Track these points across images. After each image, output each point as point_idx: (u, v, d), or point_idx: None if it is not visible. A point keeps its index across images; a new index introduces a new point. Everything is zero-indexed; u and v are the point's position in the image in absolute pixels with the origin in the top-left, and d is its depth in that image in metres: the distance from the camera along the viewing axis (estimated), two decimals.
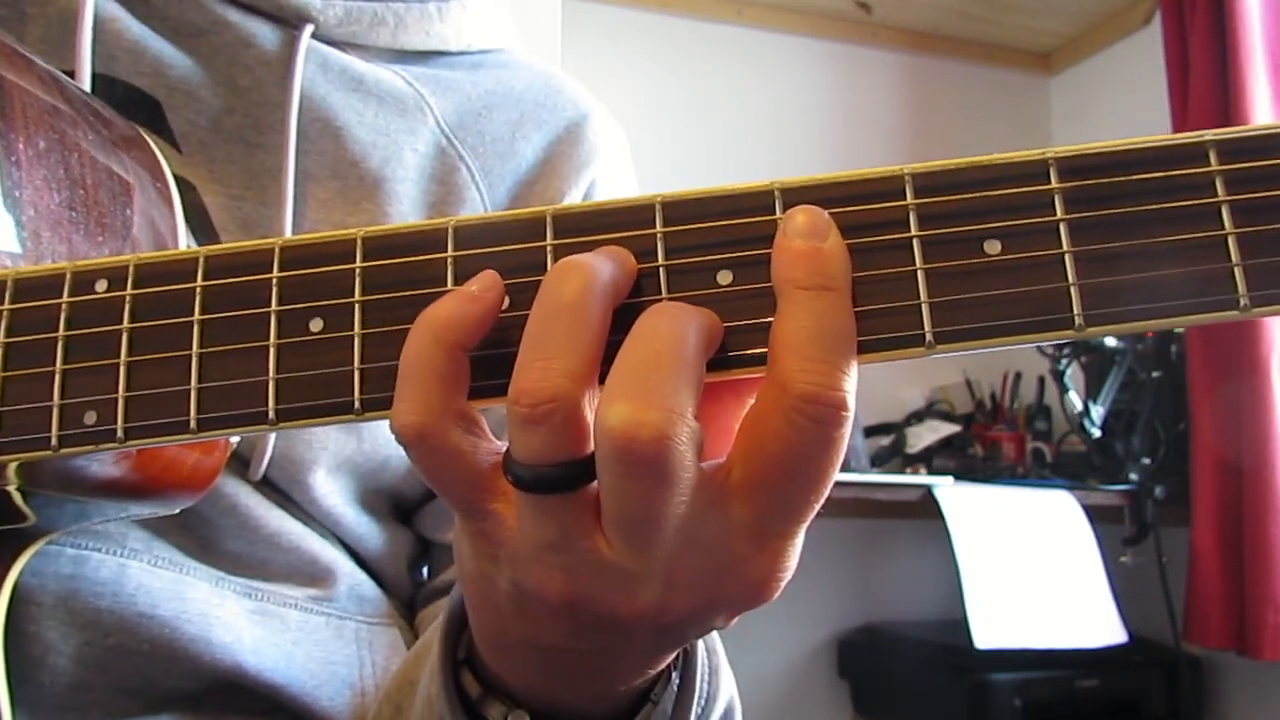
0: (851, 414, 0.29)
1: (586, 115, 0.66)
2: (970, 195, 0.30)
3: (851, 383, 0.29)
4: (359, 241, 0.33)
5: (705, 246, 0.31)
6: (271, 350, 0.33)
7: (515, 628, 0.34)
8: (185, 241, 0.48)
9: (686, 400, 0.28)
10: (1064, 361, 1.95)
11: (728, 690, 0.44)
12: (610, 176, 0.66)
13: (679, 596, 0.31)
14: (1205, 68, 1.91)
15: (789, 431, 0.29)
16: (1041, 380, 2.21)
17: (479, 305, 0.31)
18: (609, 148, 0.67)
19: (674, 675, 0.40)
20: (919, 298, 0.30)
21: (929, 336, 0.30)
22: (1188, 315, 0.29)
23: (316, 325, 0.33)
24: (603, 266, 0.30)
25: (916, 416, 2.23)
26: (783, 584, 0.32)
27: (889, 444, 2.17)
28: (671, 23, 2.37)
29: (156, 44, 0.54)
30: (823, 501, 0.31)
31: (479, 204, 0.61)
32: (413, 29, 0.61)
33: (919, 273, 0.30)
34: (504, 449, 0.32)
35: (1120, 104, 2.42)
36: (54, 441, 0.35)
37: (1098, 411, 1.93)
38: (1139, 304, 0.29)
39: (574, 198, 0.63)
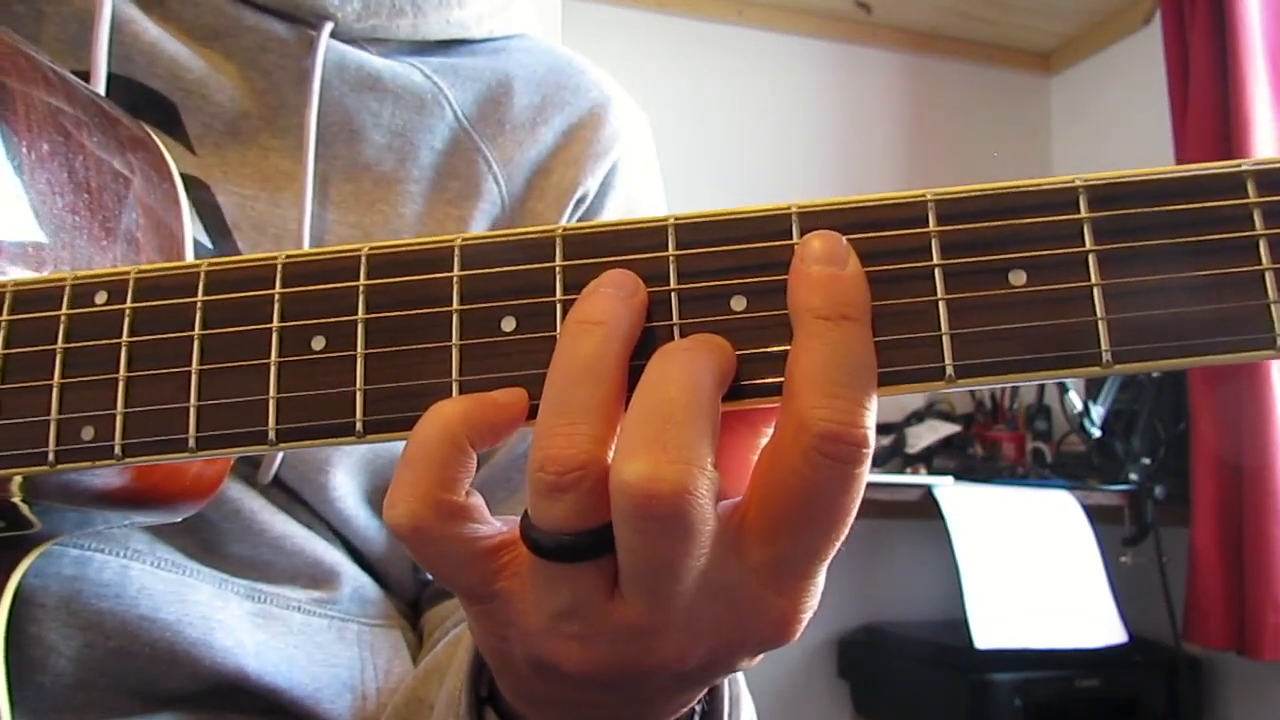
0: (872, 450, 0.28)
1: (610, 99, 0.65)
2: (995, 223, 0.29)
3: (872, 418, 0.28)
4: (363, 259, 0.33)
5: (719, 271, 0.31)
6: (272, 368, 0.33)
7: (537, 689, 0.34)
8: (192, 243, 0.47)
9: (705, 450, 0.28)
10: None
11: (748, 718, 0.44)
12: (632, 164, 0.65)
13: (698, 644, 0.31)
14: (1205, 68, 1.91)
15: (808, 470, 0.28)
16: None
17: (502, 416, 0.30)
18: (631, 135, 0.65)
19: (697, 710, 0.39)
20: (940, 329, 0.29)
21: (950, 370, 0.29)
22: (1221, 354, 0.28)
23: (319, 343, 0.33)
24: (618, 318, 0.30)
25: (916, 416, 2.23)
26: (804, 623, 0.31)
27: (889, 444, 2.17)
28: (671, 23, 2.36)
29: (173, 46, 0.53)
30: (843, 539, 0.30)
31: (495, 196, 0.60)
32: (432, 17, 0.60)
33: (940, 304, 0.29)
34: (504, 528, 0.31)
35: (1120, 104, 2.42)
36: (51, 457, 0.34)
37: (1098, 411, 1.93)
38: (1170, 341, 0.28)
39: (589, 186, 0.62)
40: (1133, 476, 1.92)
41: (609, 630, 0.30)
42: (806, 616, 0.31)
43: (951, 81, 2.58)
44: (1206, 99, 1.90)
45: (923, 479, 1.88)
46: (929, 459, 2.10)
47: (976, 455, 2.13)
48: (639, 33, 2.33)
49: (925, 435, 2.14)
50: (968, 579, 1.68)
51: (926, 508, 1.79)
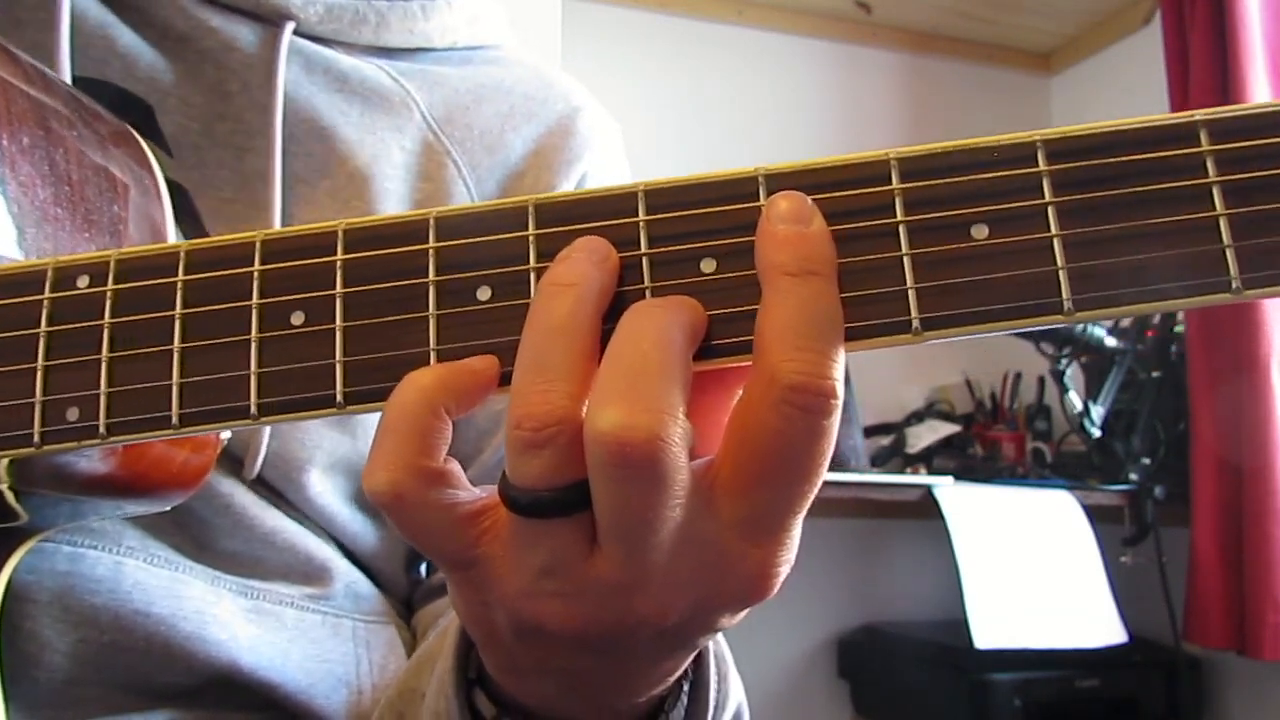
0: (841, 401, 0.29)
1: (578, 109, 0.66)
2: (957, 179, 0.30)
3: (840, 370, 0.29)
4: (340, 234, 0.33)
5: (688, 234, 0.31)
6: (253, 344, 0.33)
7: (522, 657, 0.34)
8: (174, 236, 0.48)
9: (677, 400, 0.28)
10: (1064, 361, 1.95)
11: (736, 697, 0.44)
12: (602, 171, 0.66)
13: (676, 599, 0.31)
14: (1205, 68, 1.91)
15: (778, 423, 0.28)
16: (1041, 380, 2.21)
17: (475, 381, 0.31)
18: (601, 141, 0.66)
19: (685, 686, 0.39)
20: (905, 284, 0.30)
21: (916, 323, 0.29)
22: (1179, 298, 0.28)
23: (298, 318, 0.33)
24: (590, 280, 0.30)
25: (916, 416, 2.23)
26: (781, 578, 0.31)
27: (889, 444, 2.17)
28: (671, 23, 2.37)
29: (147, 50, 0.54)
30: (815, 492, 0.30)
31: (466, 198, 0.60)
32: (395, 27, 0.60)
33: (905, 258, 0.30)
34: (482, 494, 0.32)
35: (1120, 104, 2.42)
36: (36, 438, 0.35)
37: (1098, 411, 1.93)
38: (1129, 287, 0.29)
39: (565, 190, 0.63)
40: (1133, 476, 1.91)
41: (589, 586, 0.30)
42: (784, 570, 0.31)
43: (951, 81, 2.58)
44: (1206, 99, 1.90)
45: (923, 479, 1.87)
46: (929, 459, 2.10)
47: (976, 455, 2.12)
48: (639, 33, 2.34)
49: (925, 435, 2.14)
50: (967, 579, 1.67)
51: (926, 508, 1.79)
